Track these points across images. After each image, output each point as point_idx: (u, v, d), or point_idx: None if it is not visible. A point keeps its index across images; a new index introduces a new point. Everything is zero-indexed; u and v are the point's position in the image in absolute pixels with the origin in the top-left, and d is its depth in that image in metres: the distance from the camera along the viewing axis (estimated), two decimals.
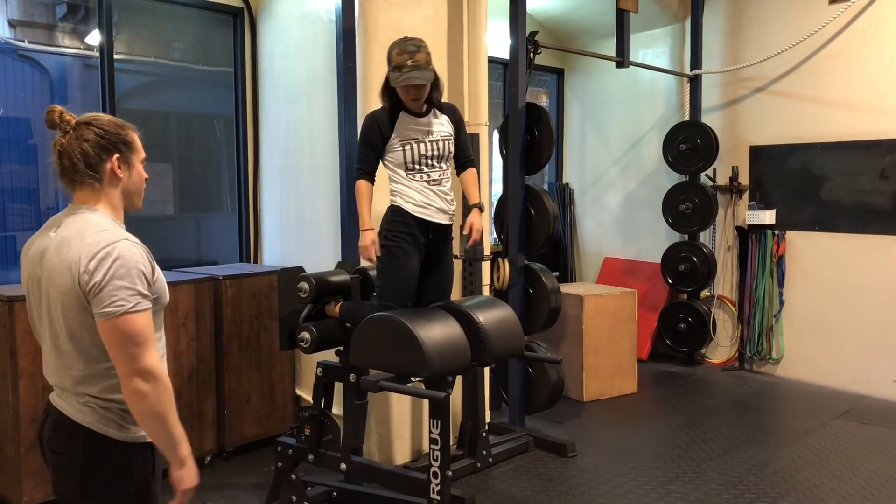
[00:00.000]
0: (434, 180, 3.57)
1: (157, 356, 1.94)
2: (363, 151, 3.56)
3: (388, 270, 3.55)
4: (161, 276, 2.05)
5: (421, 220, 3.54)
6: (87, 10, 4.69)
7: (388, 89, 3.52)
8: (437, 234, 3.63)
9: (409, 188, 3.54)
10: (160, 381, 1.91)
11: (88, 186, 2.00)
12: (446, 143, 3.61)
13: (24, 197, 4.56)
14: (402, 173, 3.54)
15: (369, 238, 3.50)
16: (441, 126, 3.61)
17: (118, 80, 4.74)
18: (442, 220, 3.60)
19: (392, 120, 3.52)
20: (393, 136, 3.51)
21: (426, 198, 3.54)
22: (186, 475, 2.00)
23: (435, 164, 3.58)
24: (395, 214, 3.56)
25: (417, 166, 3.53)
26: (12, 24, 4.50)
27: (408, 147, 3.51)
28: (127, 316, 1.87)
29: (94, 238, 1.91)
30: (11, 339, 3.67)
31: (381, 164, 3.61)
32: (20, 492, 3.72)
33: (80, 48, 4.75)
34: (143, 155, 2.11)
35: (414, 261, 3.56)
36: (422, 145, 3.52)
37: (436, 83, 3.54)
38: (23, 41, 4.54)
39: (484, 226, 4.21)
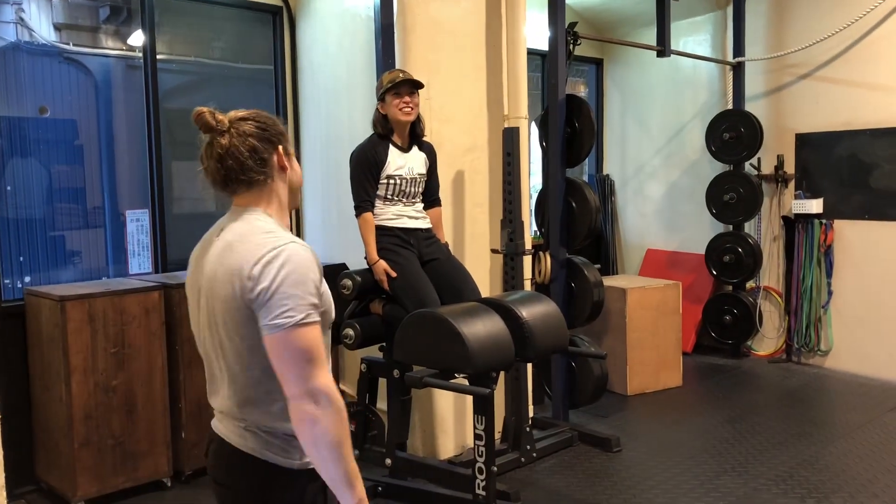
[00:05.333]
0: (407, 205, 3.92)
1: (330, 376, 1.68)
2: (362, 185, 3.78)
3: (398, 280, 3.74)
4: (327, 289, 1.81)
5: (401, 228, 3.85)
6: (129, 11, 4.76)
7: (381, 118, 3.81)
8: (419, 239, 3.90)
9: (384, 210, 3.84)
10: (334, 405, 1.63)
11: (257, 186, 1.79)
12: (422, 181, 3.95)
13: (71, 197, 4.65)
14: (380, 203, 3.84)
15: (382, 268, 3.77)
16: (420, 164, 3.92)
17: (160, 79, 4.80)
18: (419, 225, 3.92)
19: (385, 152, 3.79)
20: (384, 169, 3.79)
21: (400, 212, 3.87)
22: None
23: (410, 196, 3.91)
24: (379, 232, 3.82)
25: (395, 198, 3.85)
26: (57, 28, 4.58)
27: (392, 182, 3.81)
28: (299, 329, 1.62)
29: (258, 240, 1.69)
30: (63, 337, 3.74)
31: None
32: (75, 486, 3.80)
33: (123, 49, 4.82)
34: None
35: (413, 260, 3.82)
36: (403, 181, 3.85)
37: (418, 119, 3.86)
38: (68, 44, 4.62)
39: (524, 220, 4.51)
